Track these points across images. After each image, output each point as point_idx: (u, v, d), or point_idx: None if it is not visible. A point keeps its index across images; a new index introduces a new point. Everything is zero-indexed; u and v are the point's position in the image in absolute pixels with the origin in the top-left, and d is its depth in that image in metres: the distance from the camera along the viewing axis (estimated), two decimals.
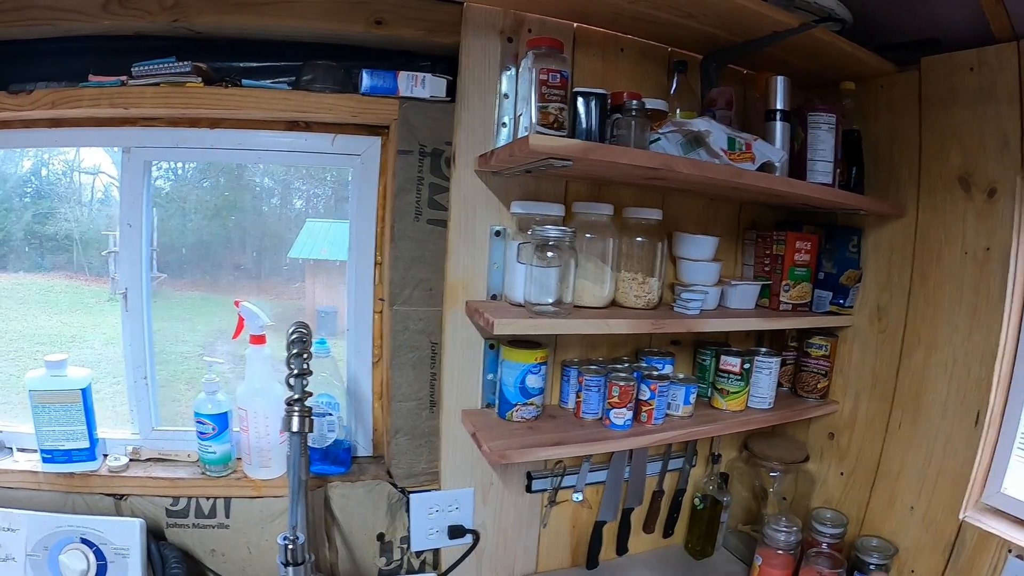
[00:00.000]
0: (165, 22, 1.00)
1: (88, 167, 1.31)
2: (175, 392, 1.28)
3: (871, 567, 1.20)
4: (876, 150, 1.30)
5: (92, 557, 1.00)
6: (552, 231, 1.00)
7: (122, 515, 1.07)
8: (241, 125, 1.09)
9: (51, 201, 1.33)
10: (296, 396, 0.90)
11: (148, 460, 1.14)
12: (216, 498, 1.10)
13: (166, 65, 1.00)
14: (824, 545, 1.25)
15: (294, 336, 0.91)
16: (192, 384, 1.29)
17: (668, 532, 1.43)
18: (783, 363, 1.37)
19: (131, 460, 1.12)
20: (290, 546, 0.92)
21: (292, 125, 1.11)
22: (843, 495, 1.36)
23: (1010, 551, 1.06)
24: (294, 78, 1.09)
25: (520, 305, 1.05)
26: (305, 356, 0.91)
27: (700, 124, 1.02)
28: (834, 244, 1.32)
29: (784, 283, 1.26)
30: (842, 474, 1.37)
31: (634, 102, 1.01)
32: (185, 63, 1.00)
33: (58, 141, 1.09)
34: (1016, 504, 1.16)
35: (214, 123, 1.08)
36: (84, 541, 1.00)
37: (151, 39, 1.03)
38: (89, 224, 1.35)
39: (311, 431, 0.92)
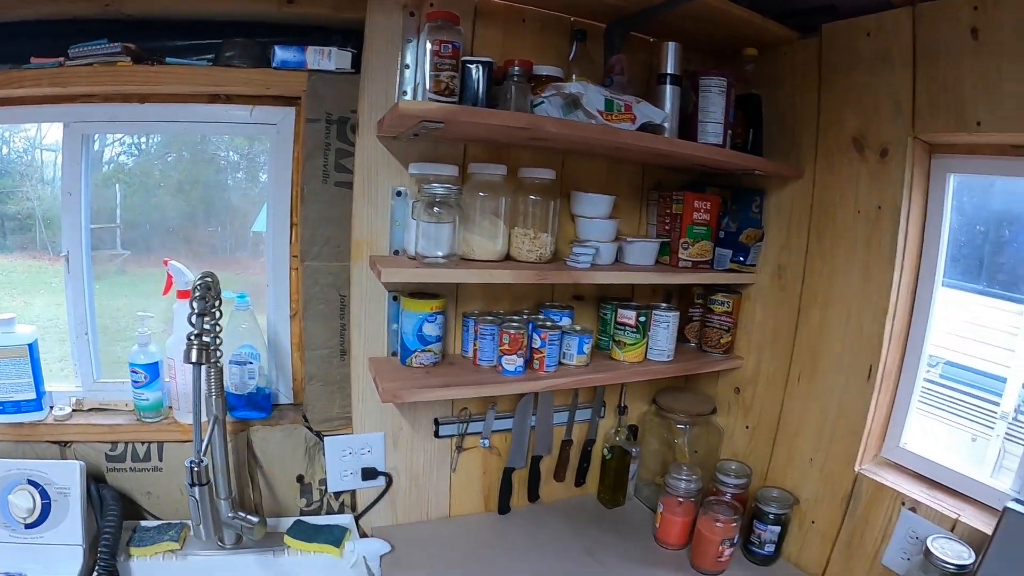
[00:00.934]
0: (98, 7, 1.22)
1: (50, 143, 1.49)
2: None
3: (770, 516, 1.37)
4: (779, 114, 1.45)
5: (38, 496, 1.20)
6: (438, 188, 1.19)
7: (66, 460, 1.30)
8: (168, 99, 1.31)
9: (12, 180, 1.48)
10: (196, 332, 1.10)
11: (90, 410, 1.37)
12: (150, 443, 1.32)
13: (99, 47, 1.21)
14: (728, 495, 1.42)
15: (198, 282, 1.12)
16: None
17: (580, 481, 1.62)
18: (690, 319, 1.54)
19: (74, 410, 1.34)
20: (195, 468, 1.13)
21: (214, 98, 1.33)
22: (748, 448, 1.53)
23: (903, 504, 1.21)
24: (215, 55, 1.30)
25: (414, 258, 1.24)
26: (207, 300, 1.11)
27: (575, 87, 1.18)
28: (738, 205, 1.48)
29: (683, 241, 1.42)
30: (747, 427, 1.53)
31: (516, 69, 1.19)
32: (116, 44, 1.21)
33: (3, 119, 1.31)
34: (913, 458, 1.31)
35: (143, 98, 1.30)
36: (30, 482, 1.20)
37: (85, 22, 1.24)
38: (52, 202, 1.47)
39: (204, 363, 1.12)
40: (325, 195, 1.31)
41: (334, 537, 1.31)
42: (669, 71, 1.31)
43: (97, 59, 1.21)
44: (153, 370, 1.31)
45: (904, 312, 1.29)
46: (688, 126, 1.35)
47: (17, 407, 1.27)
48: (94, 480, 1.28)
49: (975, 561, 1.02)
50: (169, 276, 1.32)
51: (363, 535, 1.38)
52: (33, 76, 1.21)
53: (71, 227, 1.32)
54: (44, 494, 1.20)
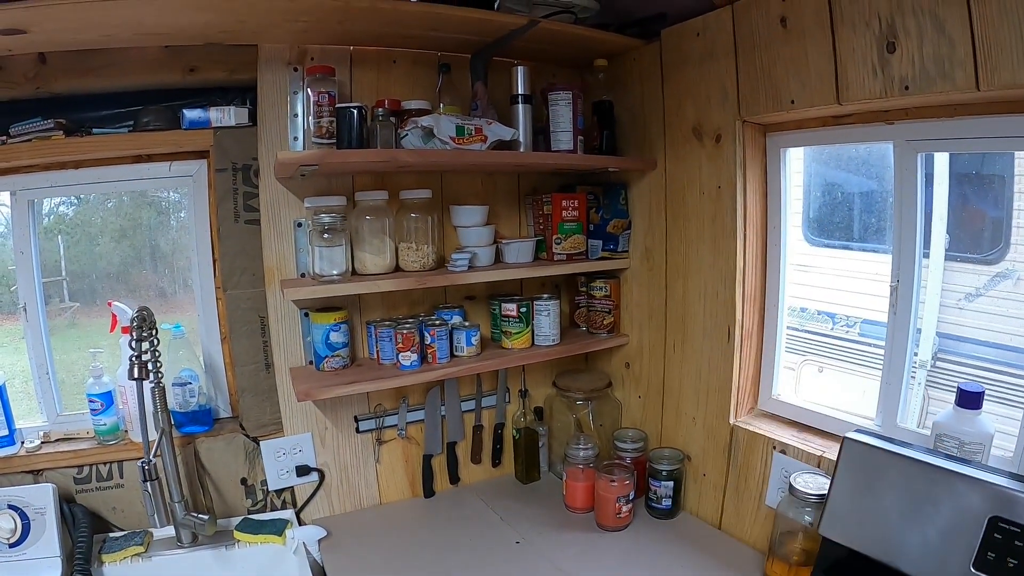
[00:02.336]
0: (30, 89, 1.64)
1: None
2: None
3: (662, 473, 1.73)
4: (632, 114, 1.85)
5: (18, 518, 1.58)
6: (326, 218, 1.60)
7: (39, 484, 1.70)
8: (98, 164, 1.73)
9: None
10: (136, 354, 1.51)
11: (56, 440, 1.77)
12: (111, 462, 1.72)
13: (35, 124, 1.63)
14: (628, 459, 1.78)
15: (136, 315, 1.52)
16: None
17: (496, 462, 2.03)
18: (577, 306, 1.92)
19: (43, 442, 1.75)
20: (146, 467, 1.52)
21: (138, 158, 1.75)
22: (643, 415, 1.91)
23: (774, 447, 1.57)
24: (134, 121, 1.72)
25: (315, 278, 1.64)
26: (143, 328, 1.51)
27: (427, 120, 1.58)
28: (608, 199, 1.88)
29: (555, 237, 1.82)
30: (640, 397, 1.92)
31: (380, 110, 1.59)
32: (49, 121, 1.63)
33: None
34: (782, 406, 1.66)
35: (78, 164, 1.73)
36: (10, 507, 1.58)
37: (19, 102, 1.65)
38: None
39: (145, 378, 1.52)
40: (237, 232, 1.73)
41: (276, 528, 1.70)
42: (520, 91, 1.71)
43: (34, 135, 1.62)
44: (108, 398, 1.73)
45: (756, 276, 1.65)
46: (546, 137, 1.74)
47: None
48: (65, 501, 1.67)
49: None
50: (114, 316, 1.74)
51: (302, 526, 1.77)
52: None
53: (26, 282, 1.75)
54: (23, 515, 1.58)
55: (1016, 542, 1.01)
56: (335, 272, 1.61)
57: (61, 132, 1.64)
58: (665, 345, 1.81)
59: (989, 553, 1.04)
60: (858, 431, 1.30)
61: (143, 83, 1.70)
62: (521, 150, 1.69)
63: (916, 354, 1.52)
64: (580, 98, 1.73)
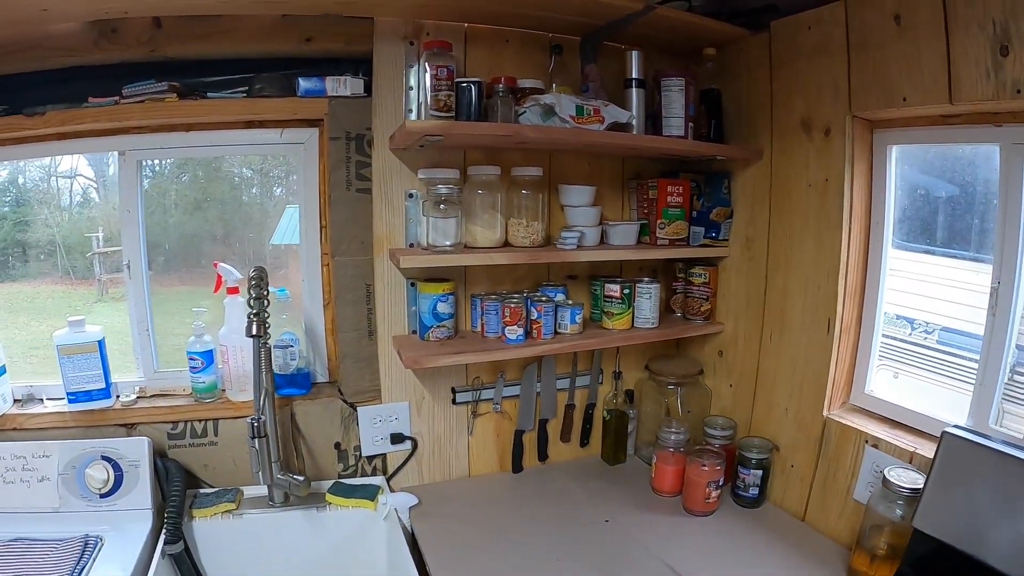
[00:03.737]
0: (144, 52, 1.71)
1: (64, 171, 1.90)
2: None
3: (752, 461, 1.79)
4: (738, 104, 1.90)
5: (111, 469, 1.65)
6: (443, 189, 1.66)
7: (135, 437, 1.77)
8: (209, 127, 1.80)
9: (31, 208, 1.86)
10: (255, 311, 1.58)
11: (152, 396, 1.85)
12: (207, 420, 1.79)
13: (148, 86, 1.70)
14: (716, 446, 1.84)
15: (253, 275, 1.60)
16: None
17: (584, 442, 2.10)
18: (674, 292, 2.00)
19: (138, 397, 1.82)
20: (255, 424, 1.60)
21: (249, 124, 1.82)
22: (734, 403, 1.97)
23: (867, 442, 1.62)
24: (247, 87, 1.79)
25: (427, 248, 1.72)
26: (260, 286, 1.59)
27: (549, 98, 1.65)
28: (710, 187, 1.94)
29: (660, 222, 1.88)
30: (731, 386, 1.98)
31: (500, 86, 1.66)
32: (163, 83, 1.70)
33: (67, 150, 1.81)
34: (878, 403, 1.72)
35: (188, 127, 1.80)
36: (104, 458, 1.65)
37: (133, 65, 1.73)
38: (71, 228, 1.90)
39: (265, 335, 1.60)
40: (348, 201, 1.80)
41: (368, 493, 1.76)
42: (634, 76, 1.78)
43: (148, 96, 1.69)
44: (208, 357, 1.80)
45: (857, 271, 1.70)
46: (656, 122, 1.81)
47: (89, 396, 1.74)
48: (158, 455, 1.74)
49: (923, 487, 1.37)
50: (219, 276, 1.82)
51: (394, 493, 1.85)
52: (93, 113, 1.69)
53: (131, 240, 1.82)
54: (117, 467, 1.65)
55: None
56: (447, 243, 1.68)
57: (175, 95, 1.71)
58: (761, 335, 1.87)
59: None
60: (956, 427, 1.35)
61: (257, 51, 1.76)
62: (633, 133, 1.76)
63: None
64: (692, 85, 1.80)
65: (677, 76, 1.78)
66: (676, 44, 1.91)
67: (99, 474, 1.64)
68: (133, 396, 1.80)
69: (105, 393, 1.75)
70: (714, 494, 1.75)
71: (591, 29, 1.83)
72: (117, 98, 1.69)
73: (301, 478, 1.68)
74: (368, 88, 1.78)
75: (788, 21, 1.75)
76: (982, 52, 1.32)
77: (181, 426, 1.78)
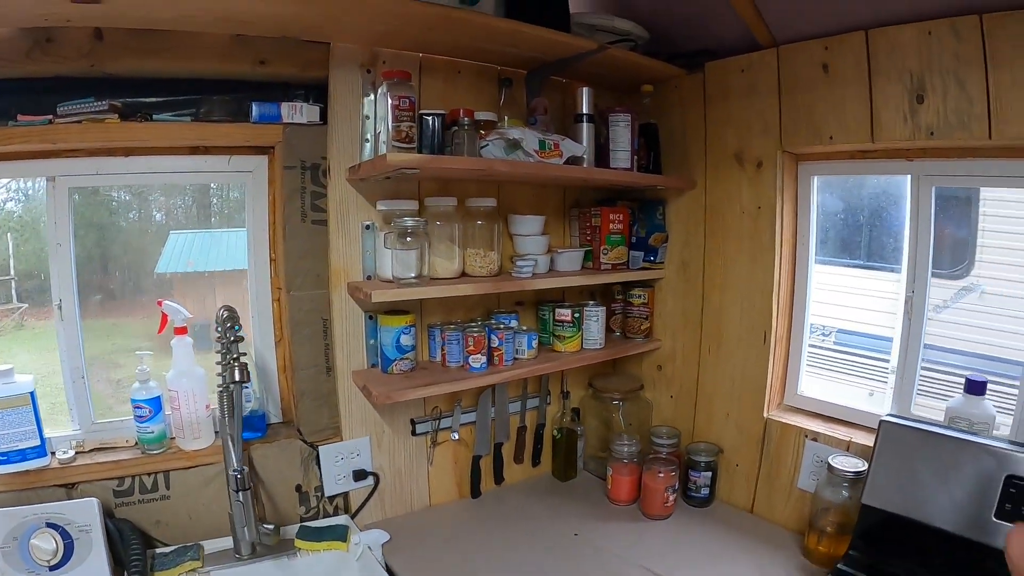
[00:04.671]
0: (83, 67, 1.56)
1: None
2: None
3: (701, 464, 1.98)
4: (673, 138, 2.09)
5: (59, 537, 1.48)
6: (409, 222, 1.68)
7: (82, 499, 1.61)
8: (151, 152, 1.69)
9: None
10: (235, 355, 1.52)
11: (92, 450, 1.69)
12: (157, 473, 1.67)
13: (87, 104, 1.55)
14: (664, 454, 2.01)
15: (225, 313, 1.54)
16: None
17: (536, 462, 2.20)
18: (613, 313, 2.17)
19: (77, 453, 1.66)
20: (238, 476, 1.54)
21: (194, 150, 1.72)
22: (675, 414, 2.16)
23: (806, 436, 1.85)
24: (194, 110, 1.69)
25: (390, 281, 1.73)
26: (236, 327, 1.53)
27: (515, 132, 1.73)
28: (645, 214, 2.12)
29: (603, 248, 2.02)
30: (672, 397, 2.17)
31: (466, 119, 1.71)
32: (103, 102, 1.56)
33: None
34: (810, 401, 1.96)
35: (127, 151, 1.67)
36: (50, 525, 1.48)
37: (70, 80, 1.57)
38: None
39: (248, 380, 1.54)
40: (304, 233, 1.76)
41: (338, 534, 1.73)
42: (584, 111, 1.90)
43: (86, 116, 1.55)
44: (156, 404, 1.68)
45: (787, 287, 1.94)
46: (601, 154, 1.95)
47: (23, 455, 1.56)
48: (107, 516, 1.58)
49: (867, 467, 1.60)
50: (164, 315, 1.71)
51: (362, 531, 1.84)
52: (23, 133, 1.51)
53: (60, 277, 1.66)
54: (65, 534, 1.49)
55: None
56: (411, 275, 1.70)
57: (116, 115, 1.59)
58: (700, 348, 2.07)
59: (1007, 505, 1.36)
60: (891, 415, 1.61)
61: (208, 71, 1.67)
62: (584, 165, 1.89)
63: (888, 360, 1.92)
64: (636, 120, 1.97)
65: (624, 112, 1.92)
66: (618, 81, 2.07)
67: (46, 544, 1.47)
68: (71, 452, 1.64)
69: (40, 451, 1.59)
70: (671, 498, 1.92)
71: (539, 64, 1.94)
72: (51, 117, 1.54)
73: (271, 526, 1.63)
74: (323, 116, 1.76)
75: (721, 63, 1.96)
76: (901, 99, 1.59)
77: (128, 482, 1.65)
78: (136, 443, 1.71)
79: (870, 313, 2.03)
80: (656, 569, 1.67)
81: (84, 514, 1.52)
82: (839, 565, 1.54)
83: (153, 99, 1.67)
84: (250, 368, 1.76)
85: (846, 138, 1.72)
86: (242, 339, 1.52)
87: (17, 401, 1.56)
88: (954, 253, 1.95)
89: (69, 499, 1.58)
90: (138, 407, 1.67)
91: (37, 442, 1.58)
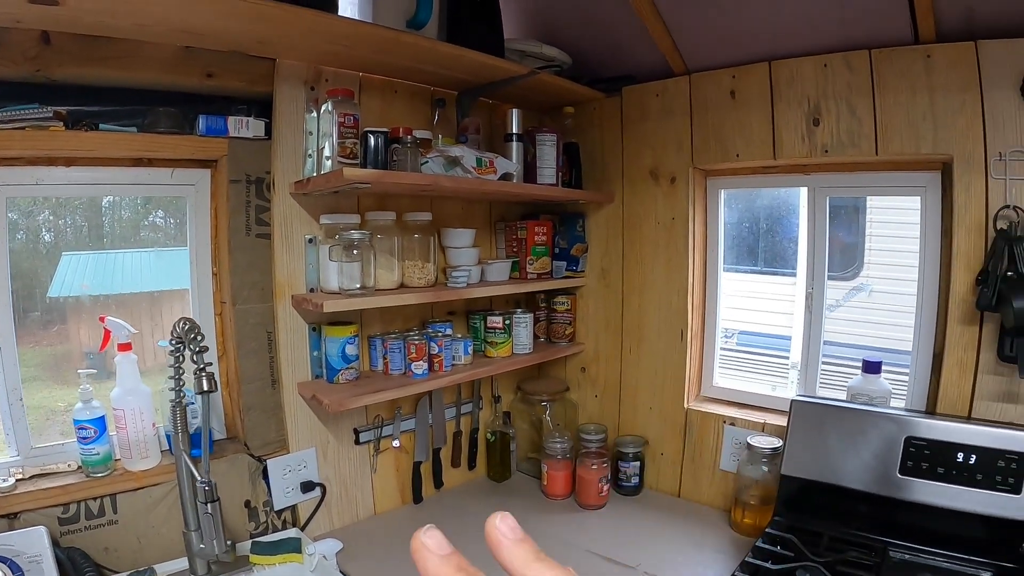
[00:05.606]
0: (27, 71, 1.52)
1: None
2: None
3: (629, 455, 2.18)
4: (593, 155, 2.31)
5: (8, 570, 1.42)
6: (355, 234, 1.77)
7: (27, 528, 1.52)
8: (94, 163, 1.67)
9: None
10: (201, 365, 1.53)
11: (32, 477, 1.62)
12: (103, 497, 1.62)
13: (31, 111, 1.52)
14: (593, 448, 2.19)
15: (186, 325, 1.54)
16: None
17: (472, 465, 2.33)
18: (537, 319, 2.34)
19: (17, 480, 1.59)
20: (206, 487, 1.55)
21: (136, 161, 1.72)
22: (601, 411, 2.36)
23: (724, 421, 2.08)
24: (140, 121, 1.69)
25: (335, 292, 1.80)
26: (199, 337, 1.54)
27: (456, 151, 1.87)
28: (566, 226, 2.32)
29: (529, 258, 2.20)
30: (596, 396, 2.37)
31: (409, 137, 1.82)
32: (48, 109, 1.53)
33: None
34: (725, 391, 2.20)
35: (69, 161, 1.64)
36: None
37: (11, 85, 1.53)
38: None
39: (216, 390, 1.56)
40: (248, 246, 1.80)
41: (292, 547, 1.75)
42: (514, 131, 2.07)
43: (29, 123, 1.51)
44: (101, 424, 1.64)
45: (700, 289, 2.19)
46: (529, 171, 2.13)
47: None
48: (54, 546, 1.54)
49: (783, 444, 1.85)
50: (106, 331, 1.69)
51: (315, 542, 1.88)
52: None
53: (1, 293, 1.61)
54: (15, 567, 1.42)
55: (925, 451, 1.63)
56: (356, 286, 1.78)
57: (61, 123, 1.56)
58: (621, 349, 2.28)
59: (908, 462, 1.64)
60: (801, 395, 1.90)
61: (155, 82, 1.69)
62: (515, 181, 2.06)
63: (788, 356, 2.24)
64: (561, 140, 2.17)
65: (550, 132, 2.11)
66: (542, 102, 2.27)
67: None
68: (12, 480, 1.57)
69: None
70: (605, 488, 2.10)
71: (471, 85, 2.09)
72: None
73: (228, 543, 1.66)
74: (268, 130, 1.83)
75: (639, 88, 2.20)
76: (799, 122, 1.88)
77: (74, 508, 1.60)
78: (80, 466, 1.67)
79: (768, 315, 2.35)
80: (601, 552, 1.84)
81: (33, 544, 1.47)
82: (768, 529, 1.77)
83: (99, 108, 1.67)
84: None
85: (751, 156, 1.99)
86: (207, 349, 1.54)
87: None
88: (844, 257, 2.27)
89: (11, 529, 1.52)
90: (82, 428, 1.63)
91: None
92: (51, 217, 1.82)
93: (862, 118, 1.79)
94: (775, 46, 1.91)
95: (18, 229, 1.77)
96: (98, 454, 1.66)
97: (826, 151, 1.85)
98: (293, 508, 1.92)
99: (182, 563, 1.66)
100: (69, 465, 1.68)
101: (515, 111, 2.08)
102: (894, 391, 1.86)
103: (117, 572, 1.64)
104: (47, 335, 1.77)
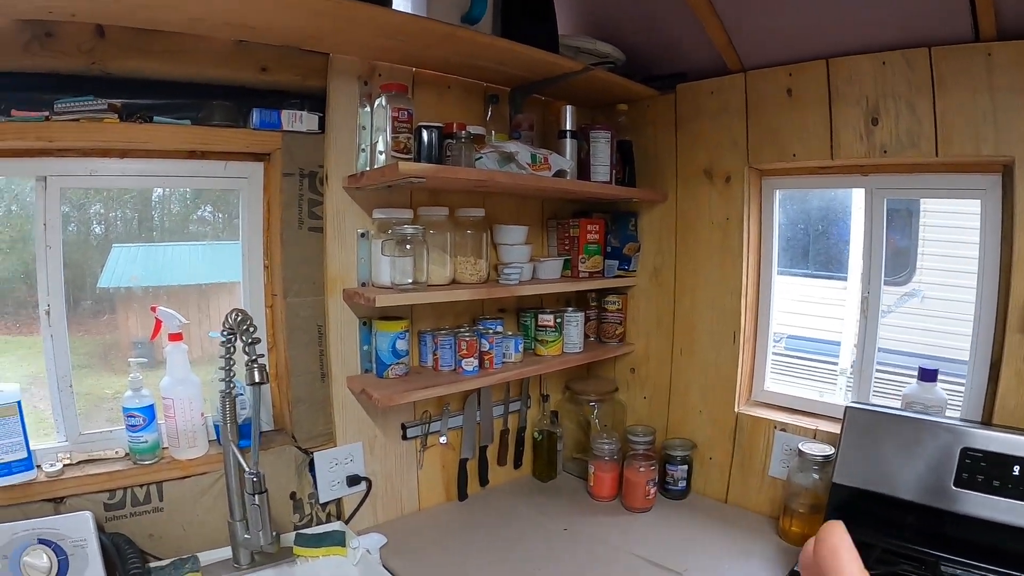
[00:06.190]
0: (82, 64, 1.49)
1: None
2: None
3: (677, 458, 2.08)
4: (646, 153, 2.20)
5: (52, 554, 1.39)
6: (409, 229, 1.71)
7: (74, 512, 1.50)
8: (148, 155, 1.64)
9: None
10: (253, 357, 1.48)
11: (80, 463, 1.60)
12: (150, 484, 1.60)
13: (86, 103, 1.49)
14: (640, 450, 2.09)
15: (239, 316, 1.49)
16: None
17: (518, 464, 2.24)
18: (588, 319, 2.25)
19: (65, 465, 1.57)
20: (255, 479, 1.50)
21: (190, 153, 1.68)
22: (649, 413, 2.26)
23: (775, 427, 1.97)
24: (194, 114, 1.64)
25: (387, 287, 1.75)
26: (252, 329, 1.49)
27: (511, 147, 1.79)
28: (618, 225, 2.22)
29: (581, 257, 2.11)
30: (645, 398, 2.27)
31: (463, 132, 1.74)
32: (102, 101, 1.50)
33: None
34: (776, 396, 2.08)
35: (124, 153, 1.61)
36: (42, 541, 1.39)
37: (67, 77, 1.50)
38: None
39: (267, 382, 1.51)
40: (300, 240, 1.75)
41: (336, 540, 1.71)
42: (568, 128, 1.98)
43: (84, 115, 1.48)
44: (149, 412, 1.62)
45: (753, 291, 2.07)
46: (582, 168, 2.04)
47: (8, 469, 1.46)
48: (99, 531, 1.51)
49: (835, 451, 1.74)
50: (158, 321, 1.66)
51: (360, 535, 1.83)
52: (17, 129, 1.43)
53: (53, 282, 1.58)
54: (59, 550, 1.39)
55: (981, 463, 1.50)
56: (408, 281, 1.73)
57: (115, 115, 1.53)
58: (672, 350, 2.17)
59: (963, 473, 1.52)
60: (855, 403, 1.77)
61: (209, 76, 1.64)
62: (568, 178, 1.97)
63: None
64: (616, 137, 2.07)
65: (604, 129, 2.02)
66: (595, 99, 2.17)
67: (39, 561, 1.37)
68: (59, 465, 1.55)
69: (27, 464, 1.49)
70: (652, 491, 2.00)
71: (524, 82, 2.01)
72: (47, 114, 1.46)
73: (274, 534, 1.61)
74: (321, 124, 1.77)
75: (693, 86, 2.09)
76: (858, 121, 1.76)
77: (120, 494, 1.57)
78: (127, 454, 1.64)
79: (817, 319, 2.21)
80: (647, 556, 1.74)
81: (78, 528, 1.43)
82: None
83: (153, 100, 1.62)
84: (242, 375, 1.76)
85: (808, 155, 1.87)
86: (259, 340, 1.49)
87: (3, 411, 1.46)
88: (897, 261, 2.14)
89: (57, 514, 1.49)
90: (131, 416, 1.60)
91: (24, 455, 1.49)
92: (102, 210, 1.81)
93: (921, 118, 1.67)
94: (833, 43, 1.79)
95: (70, 221, 1.76)
96: (146, 442, 1.63)
97: (885, 151, 1.73)
98: (338, 501, 1.87)
99: (225, 552, 1.62)
100: (117, 452, 1.65)
101: (569, 108, 1.99)
102: (947, 400, 1.74)
103: (161, 559, 1.60)
104: (97, 324, 1.74)
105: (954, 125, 1.62)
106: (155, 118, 1.60)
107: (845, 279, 2.06)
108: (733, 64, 1.99)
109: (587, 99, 2.18)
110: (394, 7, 1.58)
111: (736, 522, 1.95)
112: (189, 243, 1.91)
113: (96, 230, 1.79)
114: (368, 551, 1.73)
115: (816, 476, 1.78)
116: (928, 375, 1.70)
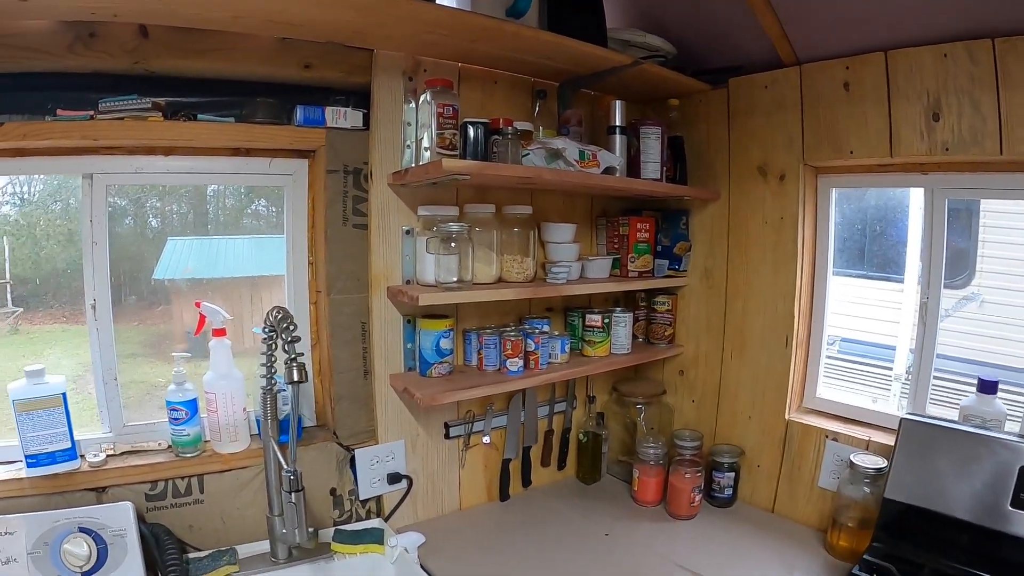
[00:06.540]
0: (125, 64, 1.49)
1: None
2: None
3: (724, 465, 1.98)
4: (698, 150, 2.09)
5: (92, 542, 1.39)
6: (454, 227, 1.65)
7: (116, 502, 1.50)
8: (192, 152, 1.62)
9: None
10: (292, 356, 1.45)
11: (123, 453, 1.60)
12: (191, 476, 1.59)
13: (130, 101, 1.48)
14: (687, 455, 1.99)
15: (279, 314, 1.46)
16: None
17: (562, 465, 2.17)
18: (636, 319, 2.15)
19: (108, 455, 1.57)
20: (292, 477, 1.47)
21: (235, 151, 1.66)
22: (697, 417, 2.16)
23: (827, 436, 1.85)
24: (238, 112, 1.63)
25: (431, 285, 1.69)
26: (292, 327, 1.46)
27: (558, 143, 1.71)
28: (668, 224, 2.12)
29: (630, 256, 2.02)
30: (693, 401, 2.16)
31: (509, 128, 1.67)
32: (146, 100, 1.49)
33: (23, 169, 1.53)
34: (828, 404, 1.97)
35: (168, 151, 1.60)
36: (82, 530, 1.39)
37: (111, 76, 1.50)
38: None
39: (306, 380, 1.47)
40: (345, 237, 1.71)
41: (375, 537, 1.67)
42: (617, 124, 1.89)
43: (128, 113, 1.48)
44: (192, 406, 1.61)
45: (807, 294, 1.95)
46: (632, 165, 1.94)
47: (52, 458, 1.47)
48: (140, 521, 1.52)
49: (888, 464, 1.63)
50: (202, 316, 1.64)
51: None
52: (63, 128, 1.44)
53: (98, 277, 1.59)
54: (99, 539, 1.40)
55: None
56: (453, 279, 1.67)
57: (159, 114, 1.52)
58: (722, 353, 2.07)
59: (1021, 494, 1.40)
60: (911, 414, 1.65)
61: (252, 73, 1.62)
62: (617, 175, 1.88)
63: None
64: (666, 133, 1.97)
65: (655, 125, 1.92)
66: (644, 94, 2.07)
67: (78, 549, 1.37)
68: (103, 455, 1.55)
69: (71, 454, 1.49)
70: (697, 498, 1.91)
71: (572, 76, 1.92)
72: (92, 113, 1.46)
73: (311, 530, 1.58)
74: (366, 121, 1.72)
75: (746, 79, 1.97)
76: (918, 117, 1.63)
77: (161, 485, 1.57)
78: (169, 446, 1.64)
79: (872, 322, 2.07)
80: (690, 566, 1.66)
81: (118, 518, 1.43)
82: (866, 556, 1.55)
83: (197, 98, 1.61)
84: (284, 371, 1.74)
85: (866, 153, 1.74)
86: (299, 339, 1.45)
87: (49, 402, 1.46)
88: (955, 263, 1.98)
89: (99, 503, 1.50)
90: (174, 409, 1.60)
91: (68, 444, 1.49)
92: (158, 204, 1.82)
93: (986, 114, 1.53)
94: (891, 34, 1.66)
95: (127, 215, 1.77)
96: (188, 435, 1.62)
97: (947, 149, 1.59)
98: (378, 499, 1.84)
99: (264, 546, 1.61)
100: (159, 444, 1.66)
101: (619, 103, 1.89)
102: (1007, 413, 1.60)
103: (200, 550, 1.60)
104: (151, 315, 1.76)
105: (1020, 121, 1.48)
106: (199, 116, 1.60)
107: (901, 281, 1.92)
108: (787, 57, 1.87)
109: (637, 94, 2.08)
110: (437, 1, 1.52)
111: (782, 533, 1.84)
112: (242, 236, 1.91)
113: (152, 223, 1.81)
114: (406, 550, 1.68)
115: (867, 489, 1.67)
116: (988, 387, 1.58)
